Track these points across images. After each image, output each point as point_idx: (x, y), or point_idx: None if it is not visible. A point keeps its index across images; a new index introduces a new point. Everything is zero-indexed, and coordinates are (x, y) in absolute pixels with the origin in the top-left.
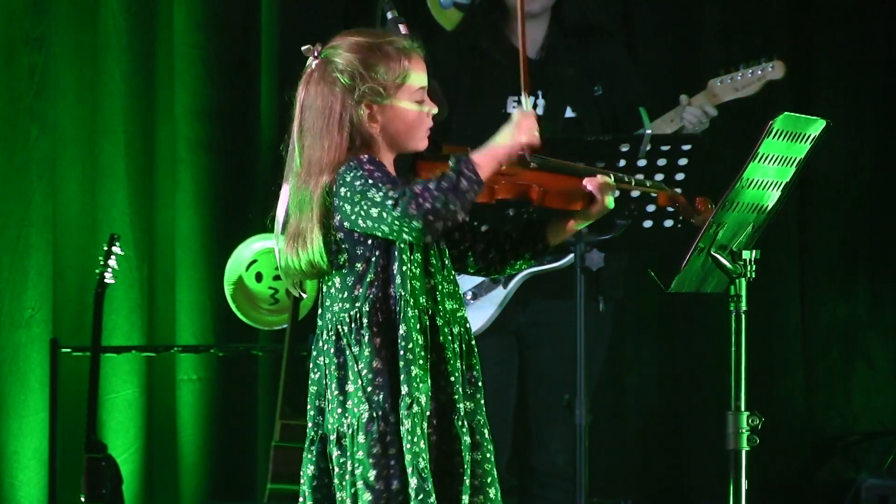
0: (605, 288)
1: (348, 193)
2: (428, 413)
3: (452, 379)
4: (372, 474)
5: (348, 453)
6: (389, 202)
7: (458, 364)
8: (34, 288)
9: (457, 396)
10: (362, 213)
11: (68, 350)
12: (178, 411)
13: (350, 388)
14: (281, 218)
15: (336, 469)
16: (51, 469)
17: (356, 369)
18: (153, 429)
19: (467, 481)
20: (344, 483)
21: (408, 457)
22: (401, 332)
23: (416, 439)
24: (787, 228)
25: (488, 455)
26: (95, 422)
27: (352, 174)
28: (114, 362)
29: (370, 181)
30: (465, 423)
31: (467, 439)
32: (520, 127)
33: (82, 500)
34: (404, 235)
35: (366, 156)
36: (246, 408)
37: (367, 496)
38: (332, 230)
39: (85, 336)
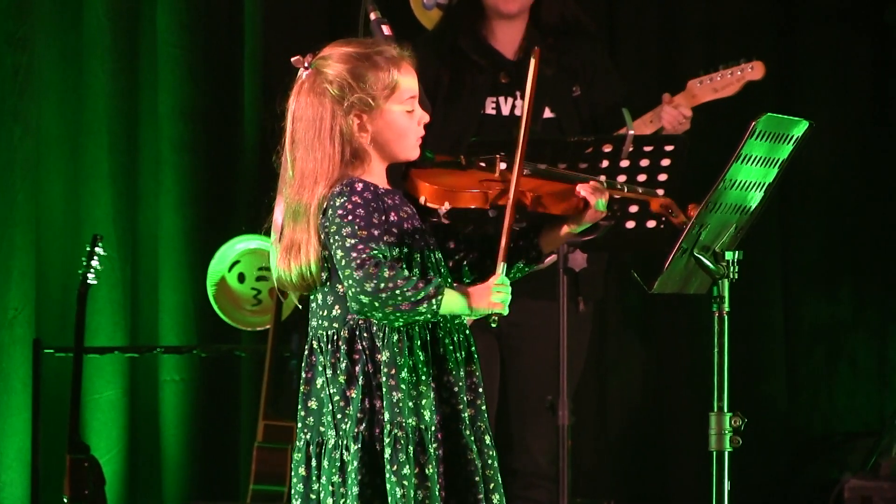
0: (584, 288)
1: (331, 218)
2: (433, 427)
3: (456, 389)
4: (329, 502)
5: (301, 468)
6: (355, 258)
7: (461, 373)
8: (17, 288)
9: (461, 406)
10: (335, 244)
11: (51, 350)
12: (161, 412)
13: (312, 404)
14: (277, 229)
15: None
16: (33, 470)
17: (327, 392)
18: (136, 429)
19: (482, 488)
20: (296, 498)
21: (387, 486)
22: (384, 358)
23: (395, 467)
24: (769, 229)
25: (490, 461)
26: (78, 422)
27: (339, 200)
28: (97, 363)
29: (348, 217)
30: (471, 430)
31: (475, 447)
32: (492, 296)
33: (65, 500)
34: (349, 292)
35: (360, 184)
36: (229, 408)
37: None
38: (323, 245)
39: (68, 336)
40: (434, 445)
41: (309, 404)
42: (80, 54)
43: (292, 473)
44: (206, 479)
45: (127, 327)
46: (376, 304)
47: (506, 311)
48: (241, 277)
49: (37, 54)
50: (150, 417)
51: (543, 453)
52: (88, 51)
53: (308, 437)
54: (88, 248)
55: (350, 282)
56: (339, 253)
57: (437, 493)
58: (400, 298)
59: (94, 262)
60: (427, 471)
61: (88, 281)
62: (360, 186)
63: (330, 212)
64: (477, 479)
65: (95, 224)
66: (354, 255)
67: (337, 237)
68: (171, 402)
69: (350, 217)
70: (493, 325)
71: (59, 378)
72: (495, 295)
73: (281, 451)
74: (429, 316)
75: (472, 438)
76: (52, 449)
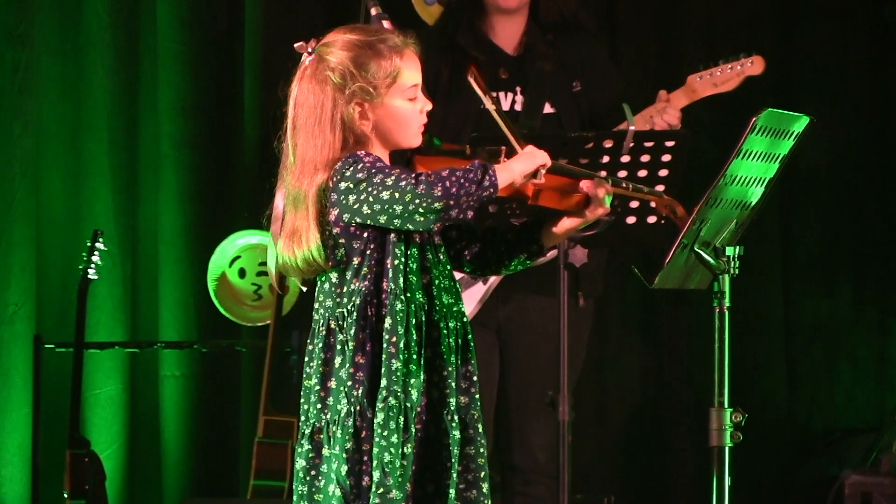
0: (584, 284)
1: (350, 185)
2: (418, 408)
3: (445, 374)
4: (344, 469)
5: (324, 448)
6: (405, 182)
7: (453, 359)
8: (17, 284)
9: (449, 391)
10: (369, 198)
11: (51, 346)
12: (162, 407)
13: (332, 384)
14: (277, 215)
15: (305, 464)
16: (34, 465)
17: (345, 366)
18: (136, 425)
19: (455, 475)
20: (319, 479)
21: (375, 450)
22: (386, 324)
23: (386, 433)
24: (770, 225)
25: (481, 450)
26: (78, 418)
27: (351, 168)
28: (97, 358)
29: (374, 170)
30: (456, 417)
31: (456, 434)
32: (534, 153)
33: (65, 496)
34: (416, 217)
35: (363, 151)
36: (229, 404)
37: (338, 492)
38: (328, 227)
39: (68, 332)
40: (417, 426)
41: (329, 384)
42: (80, 51)
43: (302, 458)
44: (207, 474)
45: (127, 323)
46: (451, 203)
47: (549, 162)
48: (242, 273)
49: (37, 50)
50: (150, 413)
51: (543, 449)
52: (88, 47)
53: (328, 416)
54: (89, 244)
55: (416, 201)
56: (386, 194)
57: (409, 472)
58: (466, 183)
59: (95, 258)
60: (405, 449)
61: (89, 276)
62: (363, 153)
63: (343, 185)
64: (449, 464)
65: (95, 220)
66: (403, 182)
67: (371, 188)
68: (171, 398)
69: (374, 169)
70: (540, 180)
71: (59, 373)
72: (538, 153)
73: (281, 447)
74: (492, 193)
75: (455, 425)
76: (53, 444)
